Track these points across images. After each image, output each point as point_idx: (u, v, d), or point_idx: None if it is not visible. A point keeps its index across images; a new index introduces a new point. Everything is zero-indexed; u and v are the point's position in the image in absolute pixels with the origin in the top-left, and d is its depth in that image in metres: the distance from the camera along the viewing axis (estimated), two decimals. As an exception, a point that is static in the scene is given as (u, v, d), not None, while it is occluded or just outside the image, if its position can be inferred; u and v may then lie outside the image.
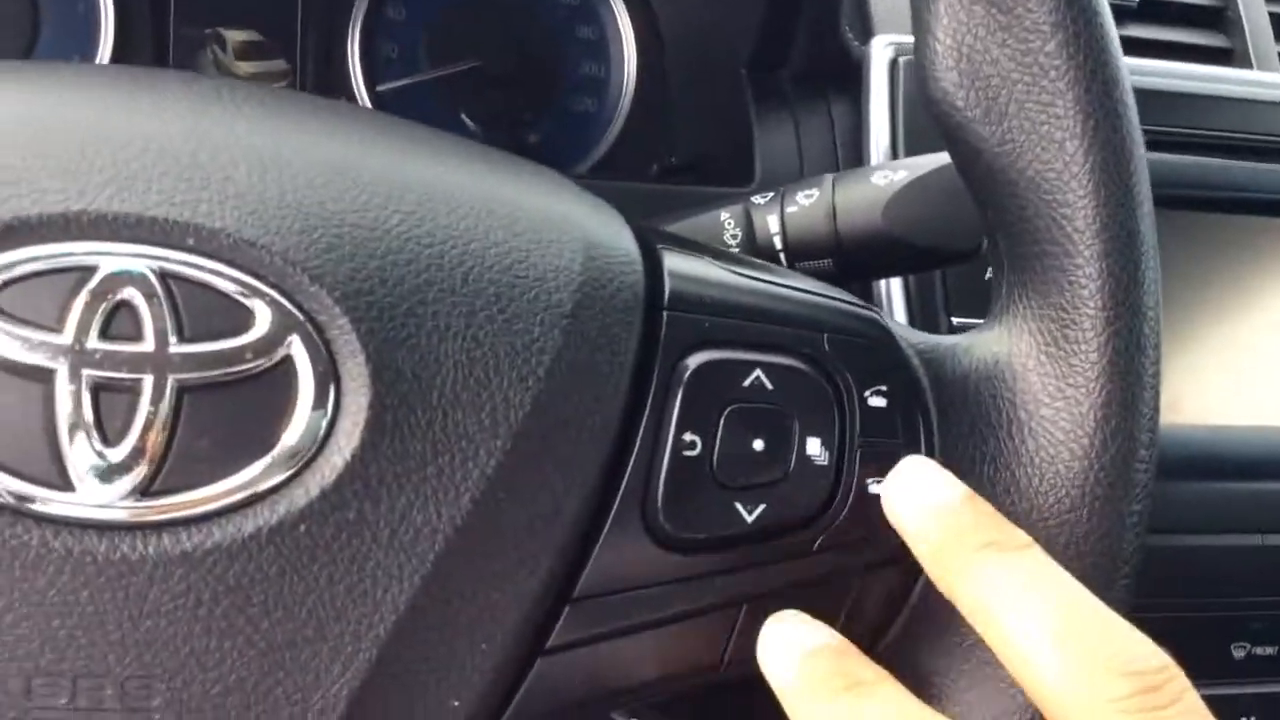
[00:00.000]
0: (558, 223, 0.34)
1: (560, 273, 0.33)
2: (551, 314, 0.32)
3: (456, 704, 0.32)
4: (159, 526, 0.29)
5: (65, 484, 0.28)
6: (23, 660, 0.28)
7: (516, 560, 0.32)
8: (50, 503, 0.28)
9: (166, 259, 0.29)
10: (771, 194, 0.51)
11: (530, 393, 0.31)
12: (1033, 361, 0.37)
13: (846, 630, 0.37)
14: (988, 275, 0.65)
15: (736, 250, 0.51)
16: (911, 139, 0.66)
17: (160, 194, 0.29)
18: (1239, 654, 0.72)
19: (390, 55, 0.78)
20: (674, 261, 0.35)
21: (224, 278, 0.29)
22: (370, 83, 0.77)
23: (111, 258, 0.29)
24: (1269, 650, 0.73)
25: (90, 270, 0.29)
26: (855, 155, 0.69)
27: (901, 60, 0.66)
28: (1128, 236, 0.36)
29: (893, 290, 0.65)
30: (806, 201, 0.50)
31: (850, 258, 0.50)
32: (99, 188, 0.29)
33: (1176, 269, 0.72)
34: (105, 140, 0.30)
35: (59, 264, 0.29)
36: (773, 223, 0.51)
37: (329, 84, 0.77)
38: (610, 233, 0.35)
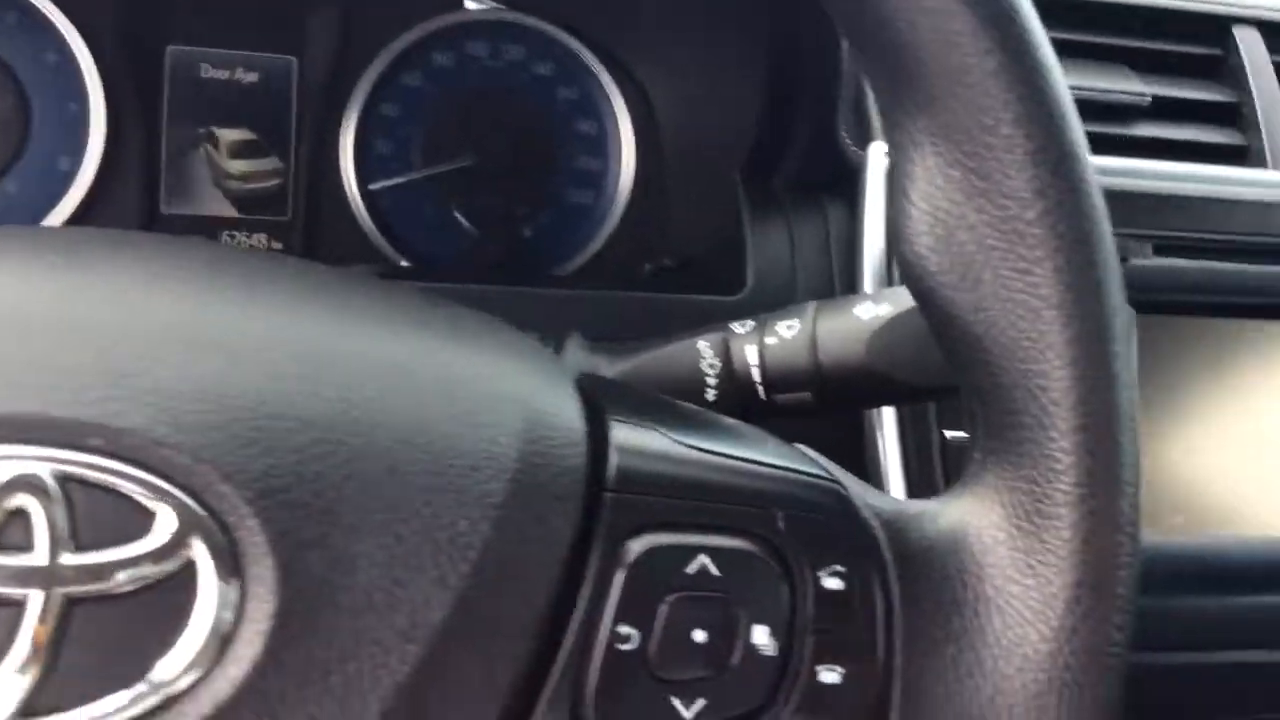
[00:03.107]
0: (497, 400, 0.32)
1: (495, 459, 0.31)
2: (481, 505, 0.30)
3: None
4: None
5: None
6: None
7: None
8: None
9: (69, 461, 0.28)
10: (752, 323, 0.50)
11: (451, 593, 0.30)
12: (1003, 534, 0.35)
13: None
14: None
15: (714, 381, 0.50)
16: (907, 248, 0.64)
17: (69, 392, 0.28)
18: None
19: (383, 153, 0.77)
20: (622, 435, 0.33)
21: (128, 479, 0.28)
22: (363, 181, 0.76)
23: (8, 461, 0.27)
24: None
25: None
26: (850, 260, 0.67)
27: (898, 166, 0.65)
28: (1106, 410, 0.34)
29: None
30: (787, 334, 0.49)
31: (831, 391, 0.48)
32: None
33: (1184, 376, 0.69)
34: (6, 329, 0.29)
35: None
36: (751, 354, 0.49)
37: (321, 182, 0.76)
38: (554, 406, 0.33)
